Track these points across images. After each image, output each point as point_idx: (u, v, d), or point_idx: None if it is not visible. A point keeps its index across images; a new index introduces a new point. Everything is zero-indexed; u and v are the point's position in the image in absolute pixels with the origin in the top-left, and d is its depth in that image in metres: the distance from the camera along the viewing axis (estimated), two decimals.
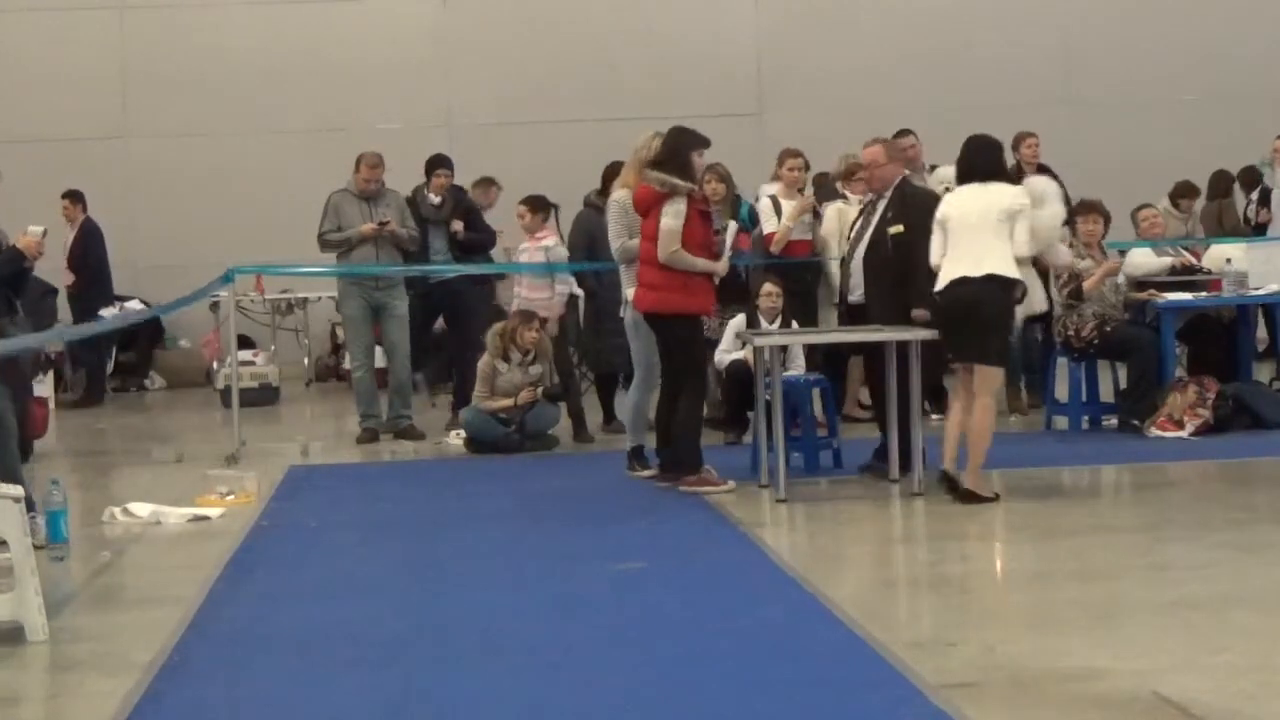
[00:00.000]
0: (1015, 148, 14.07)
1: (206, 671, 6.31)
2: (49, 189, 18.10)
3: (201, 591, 7.67)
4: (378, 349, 14.12)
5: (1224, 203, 17.84)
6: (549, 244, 13.47)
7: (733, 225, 12.04)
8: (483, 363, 12.80)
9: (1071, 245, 11.97)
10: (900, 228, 10.27)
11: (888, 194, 10.49)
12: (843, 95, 19.83)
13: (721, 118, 18.18)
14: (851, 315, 10.70)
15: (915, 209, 10.29)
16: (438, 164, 14.32)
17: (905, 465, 10.04)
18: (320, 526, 9.53)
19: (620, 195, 10.93)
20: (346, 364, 17.43)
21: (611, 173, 12.58)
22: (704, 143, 10.36)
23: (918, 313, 10.05)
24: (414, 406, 14.00)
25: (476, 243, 14.70)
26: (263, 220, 18.94)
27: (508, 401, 12.57)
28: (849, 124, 17.55)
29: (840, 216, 12.62)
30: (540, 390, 12.71)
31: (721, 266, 10.45)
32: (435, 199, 14.17)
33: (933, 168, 14.26)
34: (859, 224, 10.72)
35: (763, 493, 9.99)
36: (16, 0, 19.87)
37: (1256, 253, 13.51)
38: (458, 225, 14.25)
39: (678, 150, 10.23)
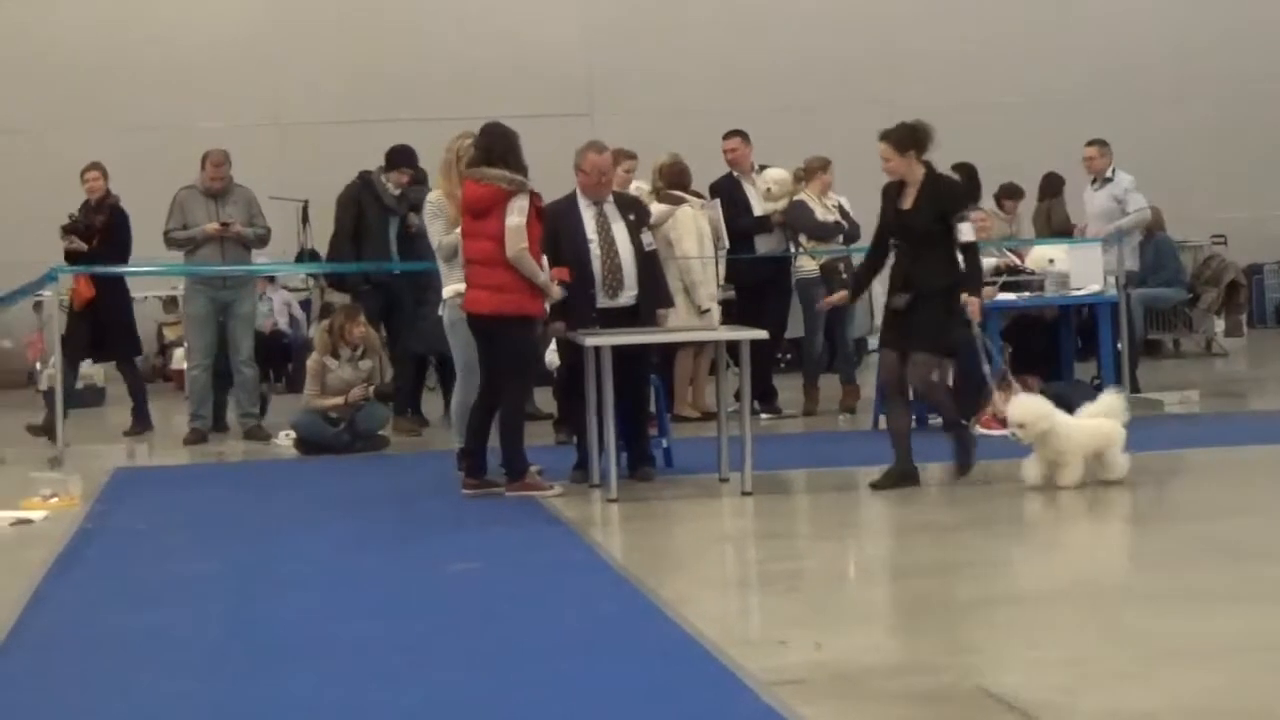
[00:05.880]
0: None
1: (22, 677, 6.19)
2: None
3: (23, 596, 7.52)
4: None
5: (1053, 203, 18.16)
6: None
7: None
8: (312, 360, 12.70)
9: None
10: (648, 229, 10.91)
11: (610, 200, 10.68)
12: (673, 97, 19.93)
13: (552, 118, 18.22)
14: (619, 317, 10.48)
15: (644, 209, 11.17)
16: (403, 161, 13.93)
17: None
18: (147, 529, 9.41)
19: (435, 196, 10.87)
20: (174, 364, 17.21)
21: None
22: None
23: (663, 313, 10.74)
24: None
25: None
26: None
27: (338, 400, 12.47)
28: (679, 126, 17.69)
29: (694, 220, 13.30)
30: (371, 388, 12.62)
31: (557, 291, 10.13)
32: (395, 190, 13.84)
33: (761, 168, 14.39)
34: (599, 229, 10.53)
35: (594, 493, 10.00)
36: None
37: (1078, 254, 13.76)
38: (415, 220, 14.07)
39: (513, 147, 10.08)
